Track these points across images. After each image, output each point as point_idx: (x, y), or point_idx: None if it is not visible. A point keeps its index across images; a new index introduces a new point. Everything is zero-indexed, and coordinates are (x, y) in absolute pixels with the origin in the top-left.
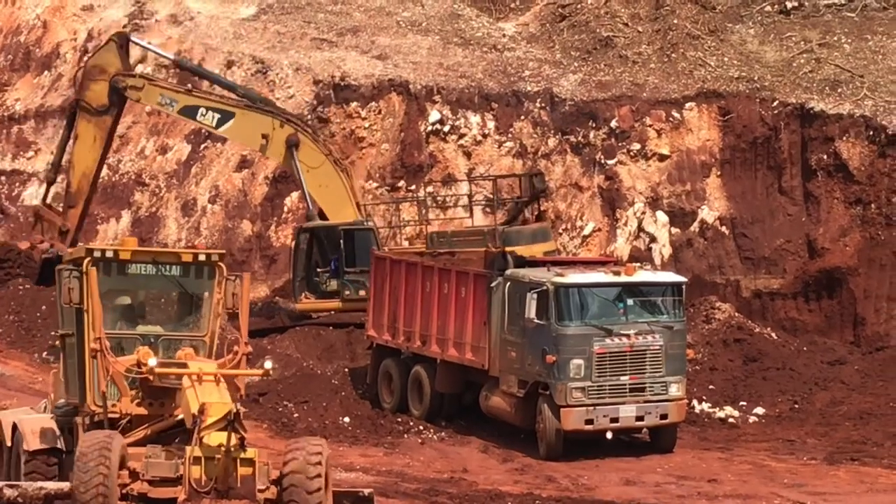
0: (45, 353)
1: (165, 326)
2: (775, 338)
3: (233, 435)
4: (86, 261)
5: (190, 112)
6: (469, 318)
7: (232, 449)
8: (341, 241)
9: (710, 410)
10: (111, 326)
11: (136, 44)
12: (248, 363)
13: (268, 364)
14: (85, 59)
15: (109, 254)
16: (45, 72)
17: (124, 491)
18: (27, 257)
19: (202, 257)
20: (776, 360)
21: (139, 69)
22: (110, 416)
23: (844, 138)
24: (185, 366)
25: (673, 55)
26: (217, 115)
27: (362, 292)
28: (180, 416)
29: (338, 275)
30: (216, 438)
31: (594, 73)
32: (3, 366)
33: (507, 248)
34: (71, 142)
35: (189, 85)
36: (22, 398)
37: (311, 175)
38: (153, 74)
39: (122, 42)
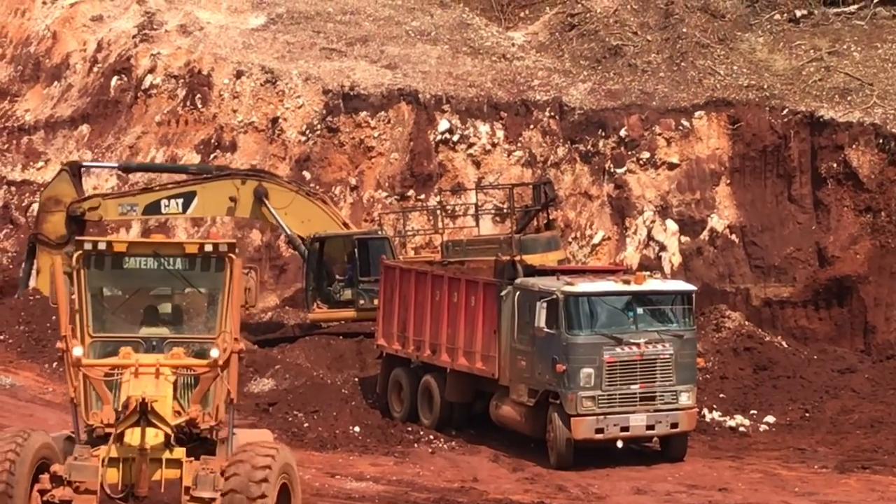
0: (55, 364)
1: (172, 328)
2: (785, 346)
3: (157, 432)
4: (75, 255)
5: (154, 208)
6: (479, 328)
7: (149, 448)
8: (356, 251)
9: (721, 419)
10: (109, 329)
11: (89, 167)
12: (239, 363)
13: (214, 353)
14: (39, 193)
15: (102, 246)
16: (55, 82)
17: (45, 498)
18: None
19: (209, 248)
20: (786, 369)
21: (148, 80)
22: (107, 428)
23: (854, 146)
24: (126, 357)
25: (682, 64)
26: (180, 201)
27: (377, 301)
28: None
29: (352, 284)
30: (137, 437)
31: (603, 82)
32: (14, 376)
33: (525, 257)
34: (34, 273)
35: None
36: (33, 409)
37: (289, 216)
38: (163, 85)
39: (74, 171)
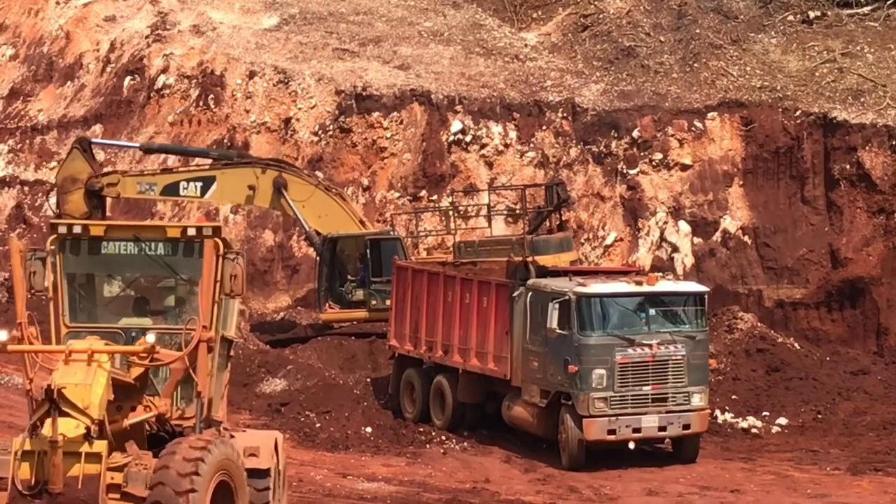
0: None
1: (156, 318)
2: (798, 348)
3: (77, 423)
4: (49, 239)
5: (172, 189)
6: (491, 328)
7: (62, 440)
8: (367, 251)
9: (733, 420)
10: (87, 318)
11: (98, 143)
12: (209, 352)
13: (150, 338)
14: (54, 174)
15: (78, 229)
16: (68, 82)
17: None
18: None
19: (192, 232)
20: (799, 370)
21: (161, 80)
22: None
23: (867, 148)
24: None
25: (695, 65)
26: (199, 184)
27: (389, 302)
28: (138, 419)
29: (364, 284)
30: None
31: (616, 83)
32: None
33: (537, 258)
34: None
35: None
36: None
37: (307, 209)
38: (176, 85)
39: (84, 146)
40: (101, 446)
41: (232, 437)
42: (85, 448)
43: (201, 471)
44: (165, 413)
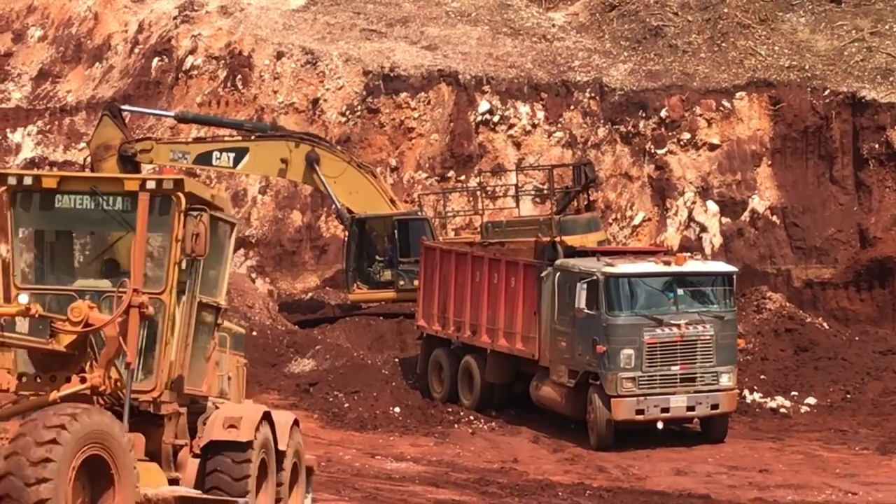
0: None
1: (115, 280)
2: (827, 327)
3: None
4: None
5: (205, 159)
6: (519, 308)
7: None
8: (395, 231)
9: (762, 400)
10: (39, 279)
11: (128, 111)
12: (143, 319)
13: (23, 298)
14: (87, 147)
15: (28, 181)
16: (97, 63)
17: None
18: None
19: (152, 185)
20: (828, 350)
21: (189, 61)
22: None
23: None
24: None
25: (723, 44)
26: (232, 155)
27: (417, 282)
28: (68, 391)
29: (392, 265)
30: None
31: (644, 63)
32: None
33: (565, 238)
34: None
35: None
36: None
37: (338, 185)
38: (204, 66)
39: (115, 113)
40: None
41: (216, 408)
42: None
43: (62, 440)
44: (99, 385)
